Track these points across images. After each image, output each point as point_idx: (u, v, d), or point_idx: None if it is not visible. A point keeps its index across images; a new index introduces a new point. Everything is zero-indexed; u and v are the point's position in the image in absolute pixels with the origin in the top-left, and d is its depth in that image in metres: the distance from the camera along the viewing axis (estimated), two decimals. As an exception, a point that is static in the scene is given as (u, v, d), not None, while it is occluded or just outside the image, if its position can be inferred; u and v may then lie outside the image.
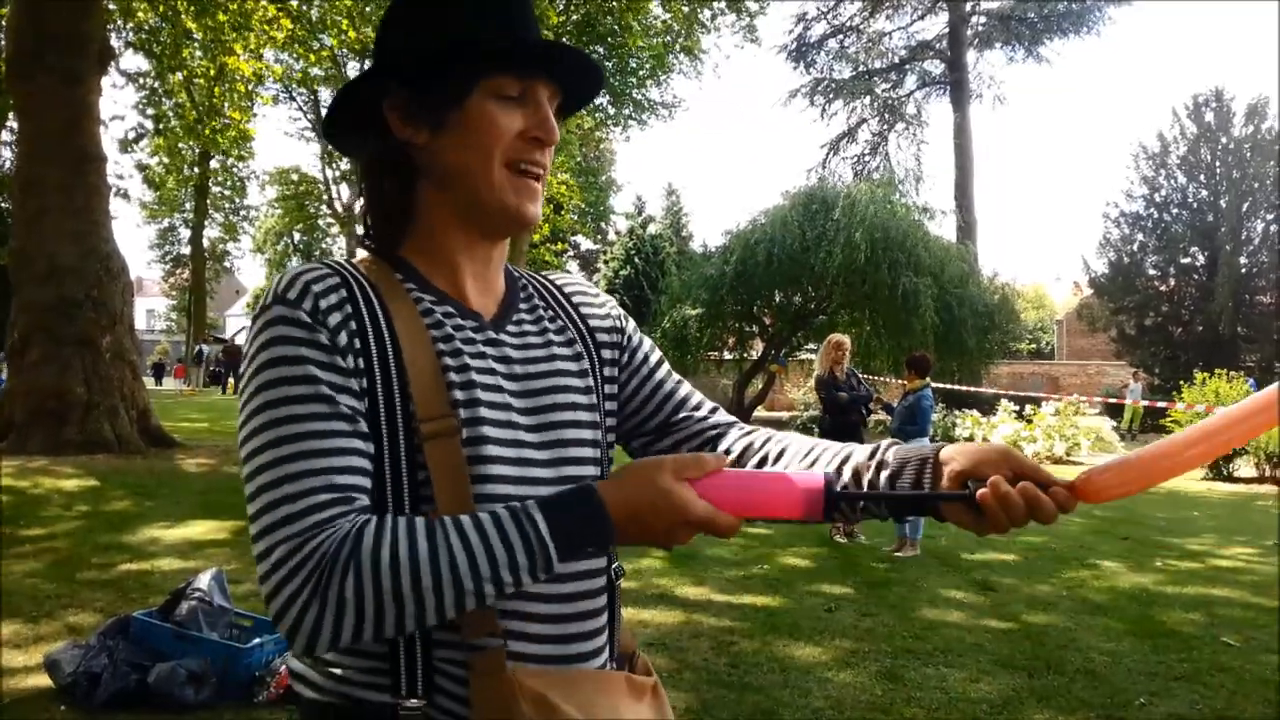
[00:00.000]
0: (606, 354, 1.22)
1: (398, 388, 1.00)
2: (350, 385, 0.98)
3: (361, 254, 1.15)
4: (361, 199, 1.16)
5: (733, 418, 1.29)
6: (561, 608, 1.05)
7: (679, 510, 0.95)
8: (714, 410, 1.29)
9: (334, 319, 0.99)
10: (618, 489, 0.96)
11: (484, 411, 1.03)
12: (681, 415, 1.26)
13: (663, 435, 1.26)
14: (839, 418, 8.03)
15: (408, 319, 1.04)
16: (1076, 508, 1.00)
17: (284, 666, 3.84)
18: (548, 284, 1.25)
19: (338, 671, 1.02)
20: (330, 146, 1.35)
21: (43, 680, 3.87)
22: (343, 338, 0.99)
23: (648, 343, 1.30)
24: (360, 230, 1.16)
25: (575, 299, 1.24)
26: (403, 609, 0.90)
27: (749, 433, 1.24)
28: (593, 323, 1.23)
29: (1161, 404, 16.45)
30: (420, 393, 1.00)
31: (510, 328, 1.13)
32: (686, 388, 1.29)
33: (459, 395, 1.02)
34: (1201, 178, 29.11)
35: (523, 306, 1.17)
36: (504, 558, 0.92)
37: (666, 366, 1.29)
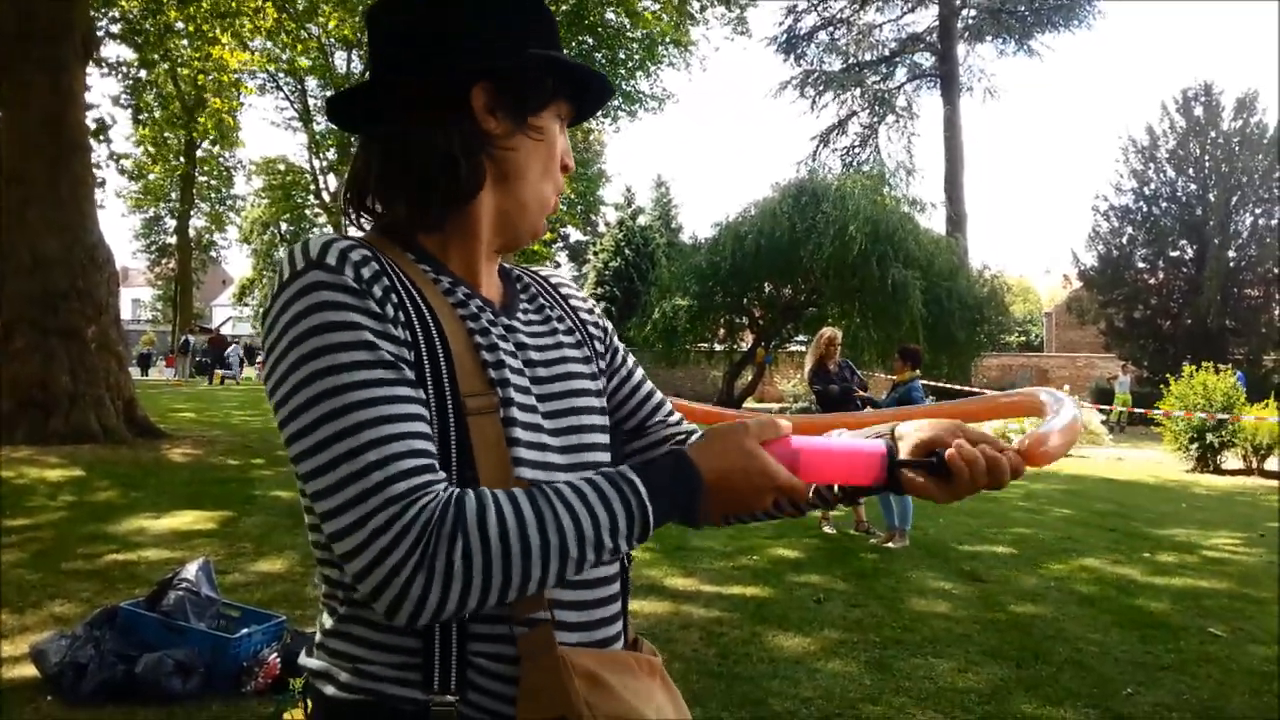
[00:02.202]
0: (599, 346, 1.24)
1: (444, 363, 0.98)
2: (405, 355, 0.96)
3: (355, 234, 1.11)
4: (358, 177, 1.11)
5: (694, 426, 1.32)
6: (587, 593, 1.05)
7: (766, 474, 0.97)
8: (680, 419, 1.33)
9: (378, 288, 0.96)
10: (707, 454, 0.98)
11: (512, 393, 1.02)
12: (657, 419, 1.29)
13: (637, 435, 1.28)
14: (833, 411, 8.02)
15: (437, 296, 1.03)
16: (1024, 471, 1.06)
17: (273, 657, 3.83)
18: (539, 278, 1.26)
19: (365, 667, 0.99)
20: (331, 117, 1.27)
21: (29, 670, 3.84)
22: (389, 308, 0.96)
23: (623, 345, 1.32)
24: (378, 210, 1.10)
25: (563, 291, 1.26)
26: (510, 576, 0.89)
27: None
28: (584, 316, 1.24)
29: (1139, 410, 16.52)
30: (461, 369, 0.99)
31: (520, 316, 1.13)
32: (659, 393, 1.33)
33: (493, 375, 1.01)
34: (1190, 171, 29.23)
35: (523, 297, 1.18)
36: (607, 521, 0.92)
37: (641, 369, 1.33)
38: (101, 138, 17.45)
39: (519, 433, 1.01)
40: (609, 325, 1.30)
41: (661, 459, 0.99)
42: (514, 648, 0.97)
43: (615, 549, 0.94)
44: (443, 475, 0.93)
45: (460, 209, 1.08)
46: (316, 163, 36.06)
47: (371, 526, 0.87)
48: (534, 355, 1.10)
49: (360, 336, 0.92)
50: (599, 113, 1.36)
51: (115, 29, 15.99)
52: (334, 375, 0.91)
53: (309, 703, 1.05)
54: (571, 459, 1.07)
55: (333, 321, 0.92)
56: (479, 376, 1.00)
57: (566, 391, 1.10)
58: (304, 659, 1.06)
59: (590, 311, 1.27)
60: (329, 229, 39.15)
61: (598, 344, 1.23)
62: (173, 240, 41.03)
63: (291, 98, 34.08)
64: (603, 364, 1.23)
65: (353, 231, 1.14)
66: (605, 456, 1.13)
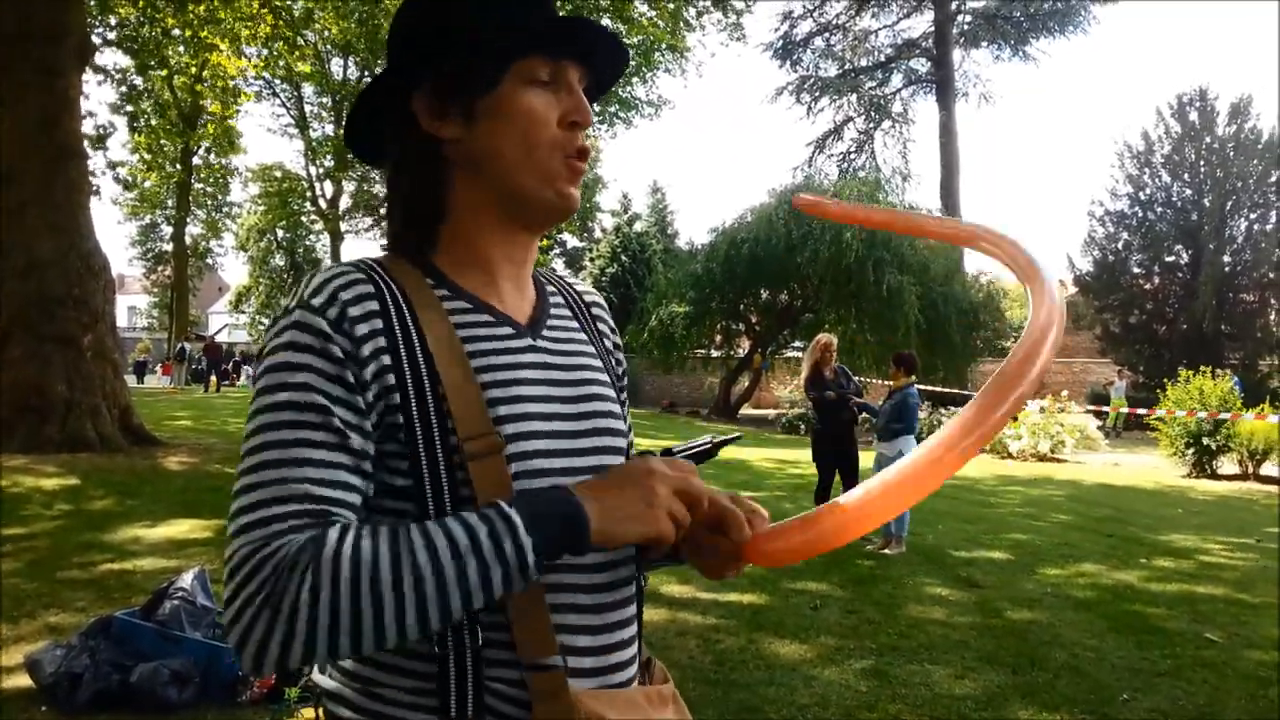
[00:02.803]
0: (614, 360, 1.22)
1: (433, 404, 0.96)
2: (355, 401, 0.94)
3: (376, 255, 1.10)
4: (356, 198, 1.12)
5: None
6: (604, 617, 1.03)
7: (647, 470, 0.94)
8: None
9: (361, 329, 0.95)
10: (588, 481, 0.95)
11: (531, 425, 0.99)
12: None
13: None
14: (829, 417, 8.02)
15: (441, 330, 0.99)
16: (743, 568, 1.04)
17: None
18: (574, 293, 1.22)
19: (379, 690, 0.97)
20: (354, 156, 1.24)
21: (24, 681, 3.83)
22: (367, 349, 0.95)
23: (624, 397, 1.28)
24: (387, 235, 1.11)
25: (594, 311, 1.22)
26: (359, 618, 0.83)
27: None
28: (607, 342, 1.22)
29: (1141, 410, 16.58)
30: (459, 409, 0.96)
31: (546, 333, 1.09)
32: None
33: (501, 411, 0.98)
34: (1185, 176, 29.28)
35: (554, 311, 1.14)
36: (474, 561, 0.85)
37: (625, 401, 1.29)
38: (100, 146, 17.52)
39: (539, 463, 0.99)
40: (624, 368, 1.27)
41: (542, 490, 0.95)
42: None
43: (487, 586, 0.86)
44: (338, 522, 0.89)
45: (437, 223, 1.06)
46: (313, 169, 36.11)
47: (233, 562, 0.86)
48: (559, 375, 1.06)
49: (302, 379, 0.93)
50: (618, 64, 1.11)
51: (112, 35, 16.02)
52: (263, 415, 0.92)
53: None
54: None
55: (283, 363, 0.94)
56: (481, 416, 0.96)
57: (594, 414, 1.07)
58: (317, 676, 1.04)
59: (616, 346, 1.24)
60: (325, 236, 39.28)
61: (617, 367, 1.22)
62: (169, 247, 40.99)
63: (288, 104, 34.16)
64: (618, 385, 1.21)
65: (375, 251, 1.13)
66: None
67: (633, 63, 20.36)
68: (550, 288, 1.18)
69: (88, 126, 14.28)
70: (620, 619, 1.04)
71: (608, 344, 1.21)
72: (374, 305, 0.97)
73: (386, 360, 0.95)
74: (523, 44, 1.02)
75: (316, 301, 0.95)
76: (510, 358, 1.03)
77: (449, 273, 1.05)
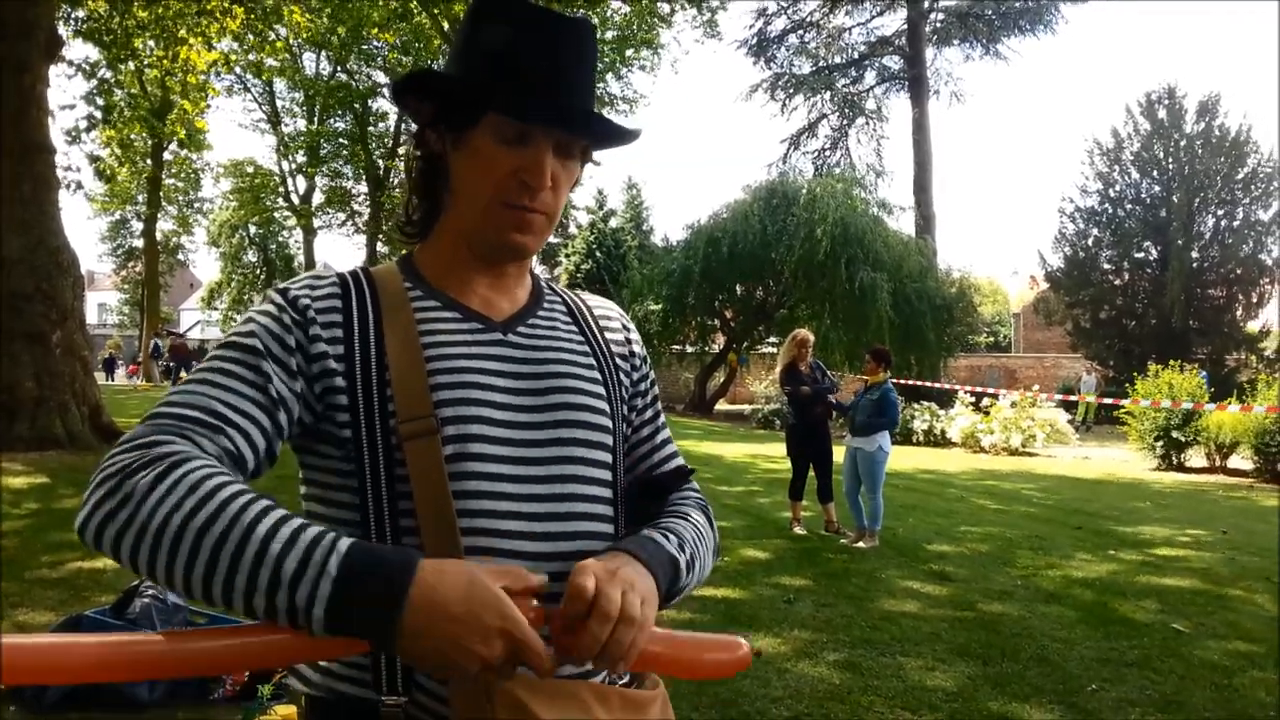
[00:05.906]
0: (624, 369, 1.23)
1: (377, 389, 1.03)
2: (289, 362, 1.03)
3: (383, 262, 1.21)
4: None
5: (689, 487, 1.24)
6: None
7: (500, 612, 0.84)
8: (675, 470, 1.25)
9: (319, 318, 1.06)
10: (439, 565, 0.86)
11: (478, 410, 1.04)
12: (644, 467, 1.24)
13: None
14: (803, 412, 8.07)
15: (401, 325, 1.08)
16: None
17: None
18: (579, 301, 1.27)
19: (325, 665, 1.05)
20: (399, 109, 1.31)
21: (-9, 681, 3.78)
22: (319, 328, 1.05)
23: (654, 389, 1.30)
24: (399, 219, 1.22)
25: (601, 323, 1.26)
26: (161, 536, 0.84)
27: (675, 502, 1.21)
28: (614, 346, 1.25)
29: (1109, 400, 16.76)
30: (401, 394, 1.03)
31: (522, 329, 1.15)
32: (667, 443, 1.27)
33: (445, 395, 1.03)
34: (1154, 173, 29.57)
35: (541, 313, 1.19)
36: (270, 570, 0.83)
37: (657, 410, 1.28)
38: (76, 140, 17.29)
39: (479, 447, 1.03)
40: (643, 368, 1.27)
41: (389, 554, 0.87)
42: None
43: (282, 609, 0.83)
44: (226, 437, 0.96)
45: (432, 218, 1.17)
46: (286, 165, 35.81)
47: (126, 434, 0.95)
48: (525, 369, 1.11)
49: (252, 329, 1.05)
50: (611, 131, 1.14)
51: (82, 28, 15.78)
52: (217, 349, 1.06)
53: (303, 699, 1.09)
54: (551, 469, 1.07)
55: (250, 319, 1.07)
56: (422, 400, 1.03)
57: (560, 404, 1.11)
58: None
59: (623, 343, 1.26)
60: (299, 232, 38.91)
61: (622, 364, 1.23)
62: (139, 243, 40.55)
63: (260, 99, 33.87)
64: (624, 380, 1.23)
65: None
66: (597, 472, 1.11)
67: (607, 58, 20.35)
68: (551, 295, 1.24)
69: (67, 120, 14.07)
70: None
71: (619, 350, 1.25)
72: (337, 303, 1.08)
73: (340, 350, 1.05)
74: (491, 102, 1.07)
75: (292, 292, 1.08)
76: (469, 349, 1.09)
77: (429, 274, 1.15)
